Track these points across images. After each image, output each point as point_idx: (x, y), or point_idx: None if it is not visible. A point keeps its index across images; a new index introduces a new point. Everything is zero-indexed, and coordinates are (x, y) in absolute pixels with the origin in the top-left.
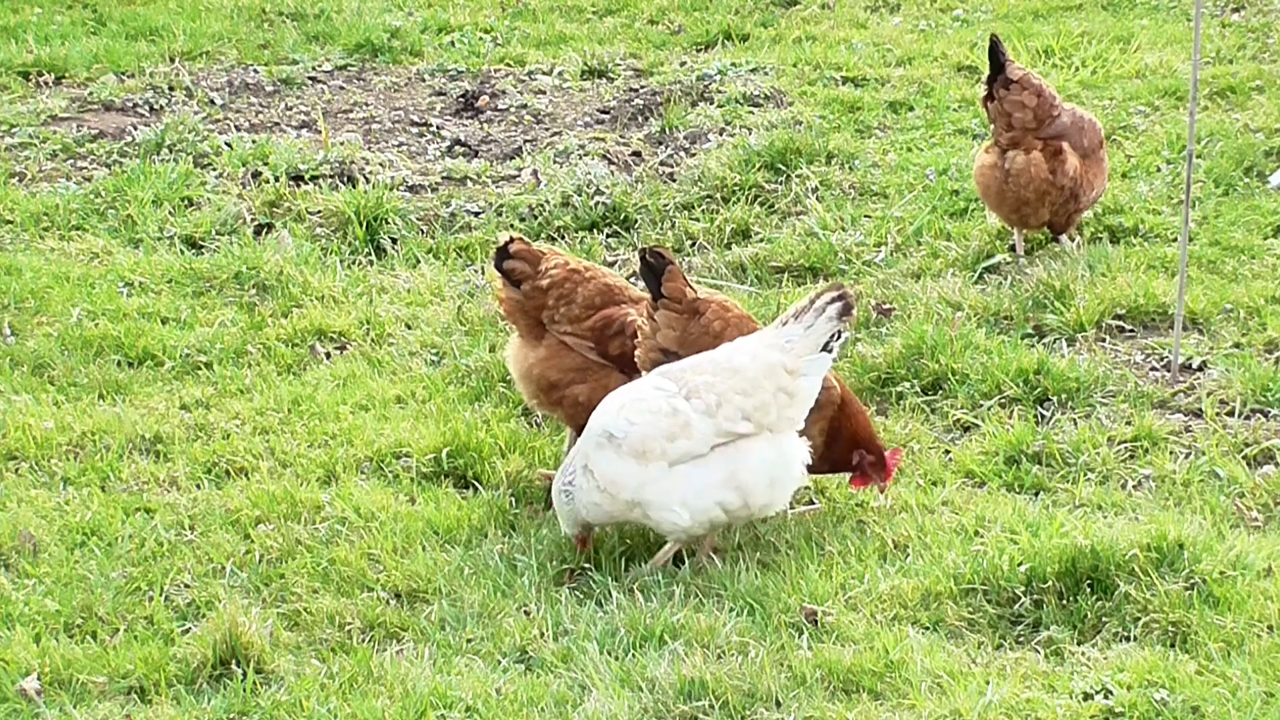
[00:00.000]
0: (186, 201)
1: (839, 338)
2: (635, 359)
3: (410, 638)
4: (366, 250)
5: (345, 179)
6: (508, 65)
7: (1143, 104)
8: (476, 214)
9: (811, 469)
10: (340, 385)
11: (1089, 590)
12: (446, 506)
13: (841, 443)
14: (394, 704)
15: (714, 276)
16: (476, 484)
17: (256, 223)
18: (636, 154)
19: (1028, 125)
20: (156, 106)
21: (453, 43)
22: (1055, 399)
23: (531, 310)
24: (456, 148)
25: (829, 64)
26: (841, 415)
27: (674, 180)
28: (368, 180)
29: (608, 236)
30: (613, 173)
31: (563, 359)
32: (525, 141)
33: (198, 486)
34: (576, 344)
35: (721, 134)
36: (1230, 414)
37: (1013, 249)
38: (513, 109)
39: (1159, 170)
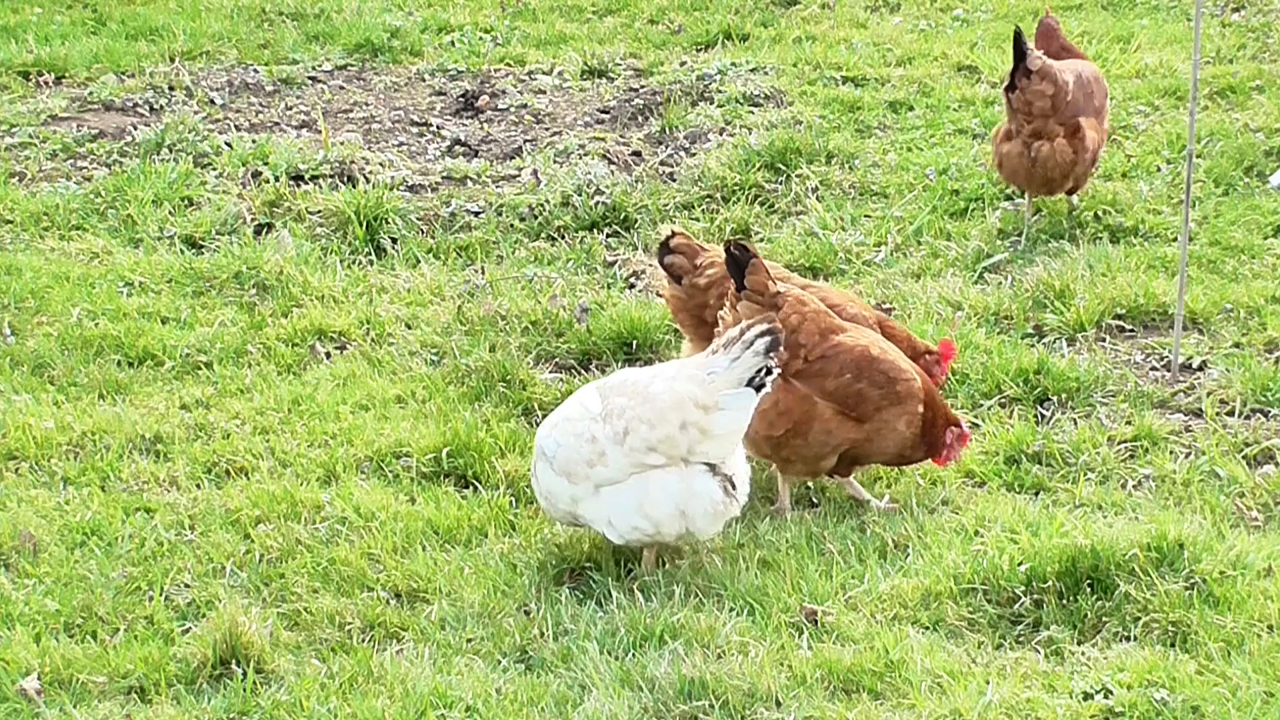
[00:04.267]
0: (186, 201)
1: (769, 374)
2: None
3: (410, 638)
4: (366, 250)
5: (345, 179)
6: (508, 65)
7: (1143, 104)
8: (476, 214)
9: (908, 459)
10: (340, 385)
11: (1089, 590)
12: (446, 506)
13: (937, 426)
14: (394, 704)
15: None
16: (476, 484)
17: (256, 223)
18: (636, 154)
19: (1047, 112)
20: (156, 106)
21: (453, 43)
22: (1055, 399)
23: (693, 309)
24: (456, 147)
25: (829, 64)
26: (930, 404)
27: (674, 180)
28: (368, 180)
29: (608, 236)
30: (613, 173)
31: None
32: (525, 141)
33: (198, 486)
34: None
35: (721, 134)
36: (1230, 414)
37: (1015, 244)
38: (513, 109)
39: (1159, 170)
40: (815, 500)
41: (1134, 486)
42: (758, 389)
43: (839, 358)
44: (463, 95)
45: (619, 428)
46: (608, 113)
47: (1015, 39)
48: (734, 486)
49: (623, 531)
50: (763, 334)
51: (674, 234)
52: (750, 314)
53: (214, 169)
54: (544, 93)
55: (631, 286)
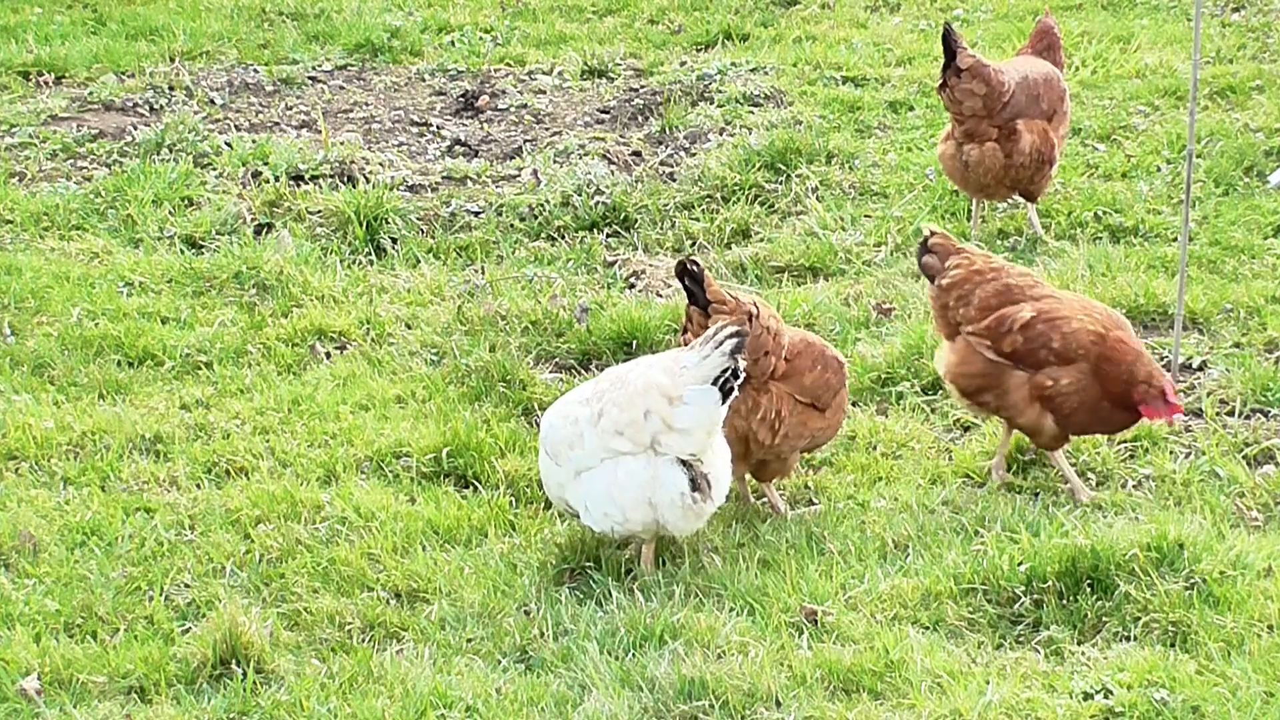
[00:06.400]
0: (186, 201)
1: (736, 377)
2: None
3: (410, 638)
4: (366, 250)
5: (345, 179)
6: (508, 65)
7: (1143, 104)
8: (476, 214)
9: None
10: (340, 385)
11: (1089, 590)
12: (446, 506)
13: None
14: (394, 704)
15: (714, 276)
16: (476, 484)
17: (256, 223)
18: (636, 154)
19: (979, 113)
20: (156, 106)
21: (453, 42)
22: None
23: (939, 309)
24: (456, 147)
25: (829, 64)
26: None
27: (674, 180)
28: (368, 180)
29: (608, 236)
30: (613, 173)
31: (968, 363)
32: (525, 141)
33: (198, 486)
34: (977, 344)
35: (721, 134)
36: (1230, 414)
37: (1014, 244)
38: (513, 109)
39: (1159, 170)
40: (815, 500)
41: (1134, 486)
42: (725, 393)
43: (808, 352)
44: (463, 95)
45: (596, 409)
46: (608, 113)
47: (945, 36)
48: (709, 485)
49: (596, 518)
50: (731, 335)
51: (933, 233)
52: None
53: (214, 169)
54: (544, 93)
55: (631, 286)
